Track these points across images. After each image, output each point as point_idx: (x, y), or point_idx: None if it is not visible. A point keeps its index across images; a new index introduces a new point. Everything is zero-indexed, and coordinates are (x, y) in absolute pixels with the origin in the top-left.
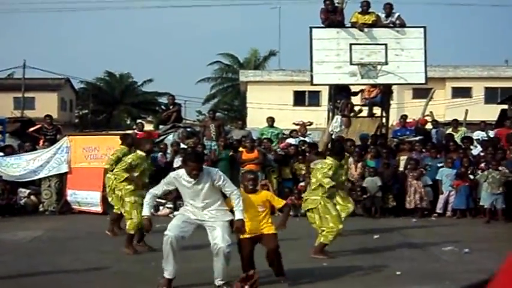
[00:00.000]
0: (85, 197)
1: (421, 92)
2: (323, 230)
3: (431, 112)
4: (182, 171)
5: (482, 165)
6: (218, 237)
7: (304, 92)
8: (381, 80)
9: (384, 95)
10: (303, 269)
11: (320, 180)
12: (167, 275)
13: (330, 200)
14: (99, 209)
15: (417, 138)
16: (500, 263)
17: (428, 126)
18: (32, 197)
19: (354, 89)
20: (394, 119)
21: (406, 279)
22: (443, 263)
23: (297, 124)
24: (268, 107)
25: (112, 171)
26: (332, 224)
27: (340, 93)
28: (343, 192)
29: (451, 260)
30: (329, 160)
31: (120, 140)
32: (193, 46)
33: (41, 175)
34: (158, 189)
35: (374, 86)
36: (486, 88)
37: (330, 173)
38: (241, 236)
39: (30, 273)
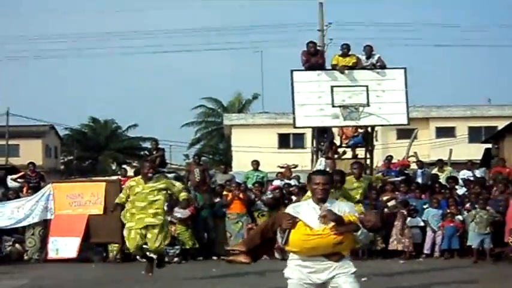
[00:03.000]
0: (65, 244)
1: (406, 132)
2: None
3: (415, 152)
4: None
5: (468, 205)
6: None
7: (289, 134)
8: (364, 122)
9: (365, 135)
10: None
11: None
12: None
13: None
14: (74, 254)
15: (399, 178)
16: None
17: (414, 166)
18: (17, 245)
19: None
20: (379, 160)
21: None
22: None
23: (282, 167)
24: (253, 150)
25: None
26: None
27: (322, 135)
28: None
29: None
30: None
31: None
32: (177, 90)
33: (25, 223)
34: None
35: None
36: (470, 127)
37: None
38: None
39: None
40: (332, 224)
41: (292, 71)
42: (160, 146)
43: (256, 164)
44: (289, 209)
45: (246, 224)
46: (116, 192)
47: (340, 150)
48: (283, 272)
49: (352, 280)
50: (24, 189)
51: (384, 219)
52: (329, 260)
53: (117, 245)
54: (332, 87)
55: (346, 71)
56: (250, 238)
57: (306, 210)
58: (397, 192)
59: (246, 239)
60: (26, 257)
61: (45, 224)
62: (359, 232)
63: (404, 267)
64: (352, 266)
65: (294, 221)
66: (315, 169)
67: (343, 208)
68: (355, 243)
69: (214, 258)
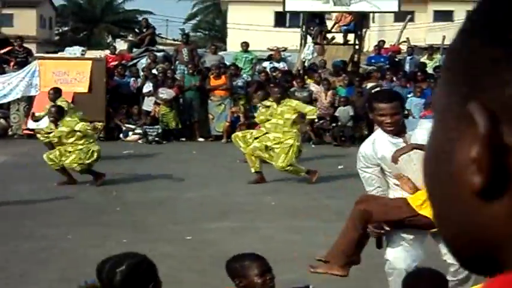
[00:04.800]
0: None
1: (404, 15)
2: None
3: (407, 38)
4: (375, 134)
5: None
6: None
7: (286, 12)
8: (354, 8)
9: (357, 22)
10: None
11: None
12: None
13: None
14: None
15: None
16: None
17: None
18: (2, 120)
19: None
20: (370, 45)
21: None
22: None
23: (272, 50)
24: (249, 27)
25: None
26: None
27: (313, 20)
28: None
29: None
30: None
31: None
32: None
33: (10, 98)
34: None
35: (348, 13)
36: (468, 11)
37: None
38: None
39: None
40: None
41: None
42: (151, 23)
43: (245, 45)
44: (366, 147)
45: (229, 107)
46: (101, 71)
47: (330, 35)
48: (387, 259)
49: None
50: (11, 64)
51: None
52: None
53: (101, 123)
54: None
55: None
56: (342, 252)
57: (386, 149)
58: (384, 81)
59: (339, 255)
60: (10, 133)
61: (30, 100)
62: None
63: None
64: None
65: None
66: (303, 54)
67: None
68: None
69: (200, 139)
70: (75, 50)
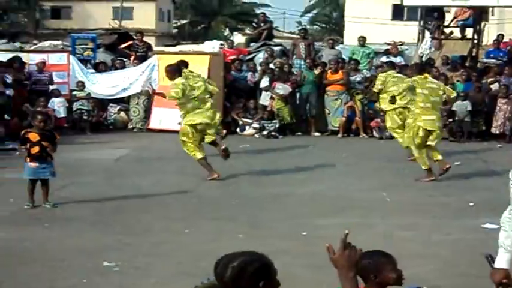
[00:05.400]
0: (168, 115)
1: None
2: None
3: None
4: None
5: None
6: None
7: (404, 6)
8: (474, 2)
9: (476, 16)
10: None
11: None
12: None
13: None
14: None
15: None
16: None
17: None
18: (122, 114)
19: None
20: (491, 39)
21: (477, 211)
22: None
23: (389, 44)
24: (365, 21)
25: None
26: None
27: (432, 14)
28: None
29: None
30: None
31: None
32: None
33: (129, 92)
34: None
35: (468, 7)
36: None
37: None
38: None
39: (112, 197)
40: None
41: None
42: (268, 18)
43: (362, 39)
44: None
45: (345, 102)
46: (219, 65)
47: (448, 30)
48: None
49: None
50: (132, 58)
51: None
52: None
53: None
54: None
55: None
56: None
57: None
58: (502, 76)
59: None
60: (129, 126)
61: (149, 94)
62: None
63: (501, 151)
64: None
65: None
66: (420, 49)
67: None
68: None
69: (316, 134)
70: (214, 44)
